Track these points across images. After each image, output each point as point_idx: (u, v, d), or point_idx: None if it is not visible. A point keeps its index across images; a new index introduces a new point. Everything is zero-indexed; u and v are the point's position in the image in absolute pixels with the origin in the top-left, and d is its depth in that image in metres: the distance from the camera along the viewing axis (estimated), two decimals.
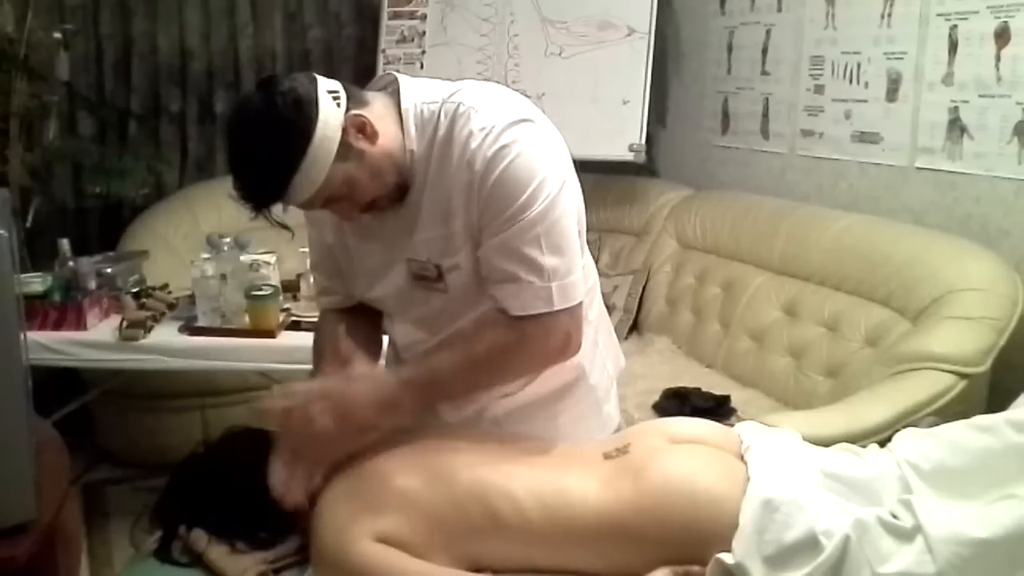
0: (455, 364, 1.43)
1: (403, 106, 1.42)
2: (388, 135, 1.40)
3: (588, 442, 1.52)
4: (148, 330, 2.57)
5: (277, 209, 1.38)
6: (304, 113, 1.32)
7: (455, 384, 1.46)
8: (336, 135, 1.34)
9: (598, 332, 1.64)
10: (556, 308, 1.39)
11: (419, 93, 1.44)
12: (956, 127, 2.71)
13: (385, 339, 1.68)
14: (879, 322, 2.59)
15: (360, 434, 1.42)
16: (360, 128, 1.36)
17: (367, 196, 1.41)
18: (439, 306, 1.49)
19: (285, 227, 1.47)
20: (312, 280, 1.61)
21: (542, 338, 1.42)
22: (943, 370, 2.23)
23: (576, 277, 1.42)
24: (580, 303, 1.44)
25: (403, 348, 1.59)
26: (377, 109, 1.41)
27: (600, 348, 1.65)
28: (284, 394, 1.41)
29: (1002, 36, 2.55)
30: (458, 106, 1.40)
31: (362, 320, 1.63)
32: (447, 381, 1.44)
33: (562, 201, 1.39)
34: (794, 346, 2.85)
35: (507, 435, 1.51)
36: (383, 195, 1.42)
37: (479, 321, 1.47)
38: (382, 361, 1.66)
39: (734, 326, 3.12)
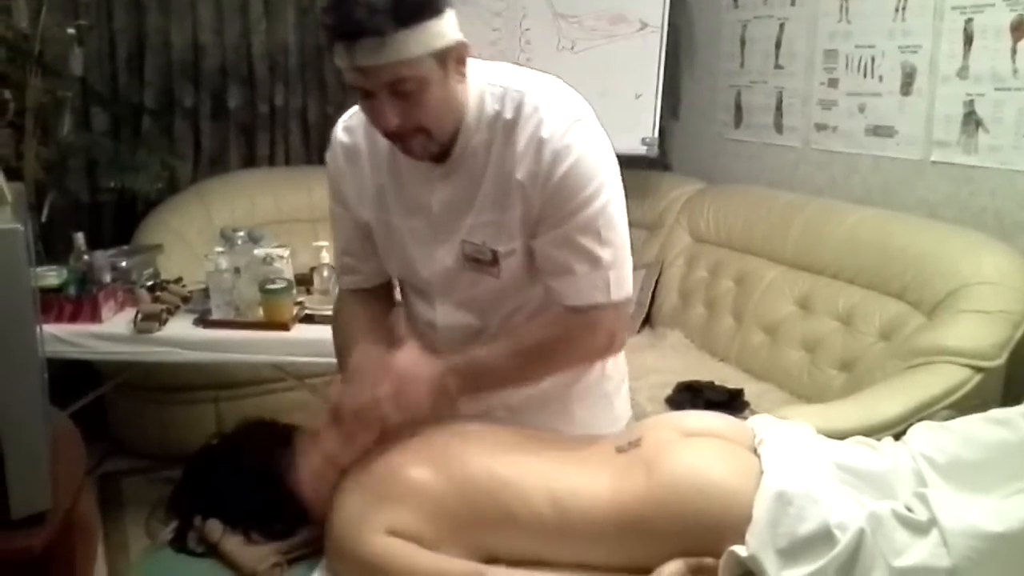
0: (502, 355, 1.46)
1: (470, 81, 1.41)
2: (464, 91, 1.40)
3: (600, 435, 1.52)
4: (163, 323, 2.58)
5: None
6: None
7: (501, 375, 1.48)
8: (450, 39, 1.32)
9: None
10: (612, 299, 1.44)
11: (482, 73, 1.44)
12: (971, 120, 2.69)
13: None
14: (894, 315, 2.58)
15: (408, 415, 1.40)
16: (461, 59, 1.36)
17: (428, 116, 1.35)
18: (488, 289, 1.51)
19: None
20: (333, 259, 1.59)
21: (589, 333, 1.47)
22: (958, 363, 2.23)
23: (628, 269, 1.47)
24: (627, 299, 1.48)
25: (444, 329, 1.58)
26: None
27: None
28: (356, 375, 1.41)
29: (1018, 29, 2.53)
30: (524, 96, 1.42)
31: (380, 304, 1.66)
32: (493, 371, 1.46)
33: (615, 196, 1.45)
34: (808, 339, 2.84)
35: (519, 427, 1.51)
36: (430, 134, 1.38)
37: (529, 313, 1.51)
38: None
39: (747, 319, 3.11)
